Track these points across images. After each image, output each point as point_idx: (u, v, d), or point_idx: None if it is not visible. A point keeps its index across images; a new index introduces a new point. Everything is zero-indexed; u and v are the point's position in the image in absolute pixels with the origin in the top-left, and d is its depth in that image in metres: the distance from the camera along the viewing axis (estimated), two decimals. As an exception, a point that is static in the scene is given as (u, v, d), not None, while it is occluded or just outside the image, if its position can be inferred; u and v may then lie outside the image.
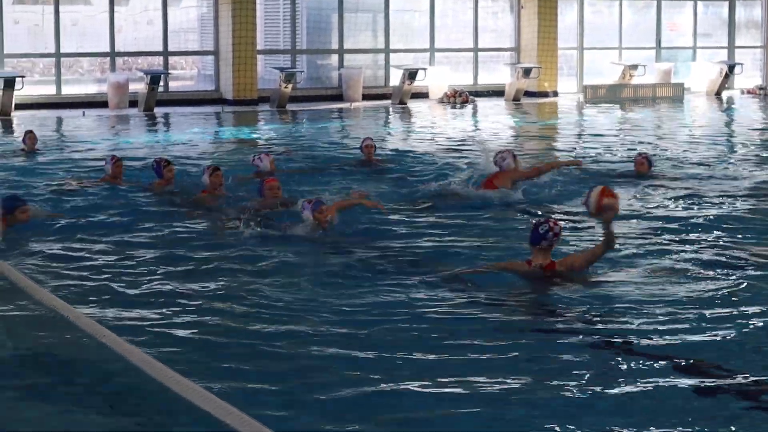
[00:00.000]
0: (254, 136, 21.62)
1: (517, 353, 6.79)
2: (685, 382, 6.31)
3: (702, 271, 9.01)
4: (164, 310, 7.91)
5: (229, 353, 6.85)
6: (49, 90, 26.57)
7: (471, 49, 31.33)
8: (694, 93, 31.86)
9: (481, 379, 6.29)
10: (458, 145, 19.24)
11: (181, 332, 7.36)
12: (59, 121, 23.75)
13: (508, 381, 6.27)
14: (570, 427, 5.62)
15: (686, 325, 7.39)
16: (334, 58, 29.87)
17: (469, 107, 28.00)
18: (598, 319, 7.65)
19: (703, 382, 6.37)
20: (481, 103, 28.76)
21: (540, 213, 11.78)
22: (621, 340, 7.13)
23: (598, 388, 6.14)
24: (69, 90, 26.81)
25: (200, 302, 8.11)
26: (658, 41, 33.84)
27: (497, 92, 30.19)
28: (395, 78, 29.21)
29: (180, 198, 12.83)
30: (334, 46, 29.77)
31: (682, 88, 31.39)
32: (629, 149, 18.18)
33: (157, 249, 9.99)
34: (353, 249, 9.87)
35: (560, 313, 7.92)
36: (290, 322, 7.50)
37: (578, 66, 32.41)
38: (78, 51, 27.32)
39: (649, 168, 14.51)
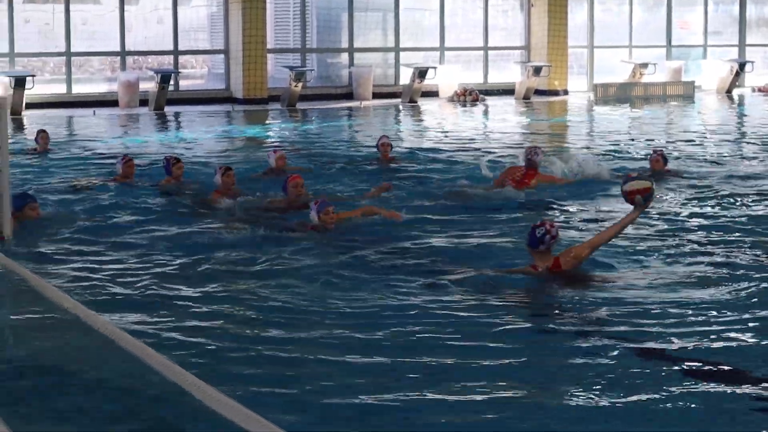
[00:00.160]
0: (264, 134, 21.61)
1: (527, 358, 6.70)
2: (702, 386, 6.24)
3: (716, 270, 8.93)
4: (171, 312, 7.87)
5: (237, 356, 6.78)
6: (60, 89, 26.61)
7: (481, 48, 31.30)
8: (704, 91, 31.80)
9: (493, 384, 6.22)
10: (469, 143, 19.22)
11: (187, 333, 7.30)
12: (70, 120, 23.76)
13: (521, 387, 6.20)
14: None
15: (701, 328, 7.31)
16: (344, 56, 29.86)
17: (480, 106, 27.98)
18: (610, 321, 7.54)
19: (721, 386, 6.28)
20: (491, 101, 28.74)
21: (557, 213, 11.75)
22: (639, 346, 7.01)
23: (614, 394, 6.06)
24: (79, 89, 26.86)
25: (209, 303, 8.04)
26: (669, 39, 33.77)
27: (507, 91, 30.15)
28: (405, 76, 29.18)
29: (191, 198, 12.80)
30: (344, 44, 29.76)
31: (693, 87, 31.34)
32: (643, 147, 18.12)
33: (167, 250, 9.93)
34: (364, 250, 9.81)
35: (569, 316, 7.82)
36: (299, 325, 7.43)
37: (588, 64, 32.36)
38: (88, 50, 27.37)
39: (664, 165, 14.48)
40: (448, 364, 6.61)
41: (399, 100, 28.47)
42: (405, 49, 30.20)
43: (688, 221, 11.34)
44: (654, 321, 7.46)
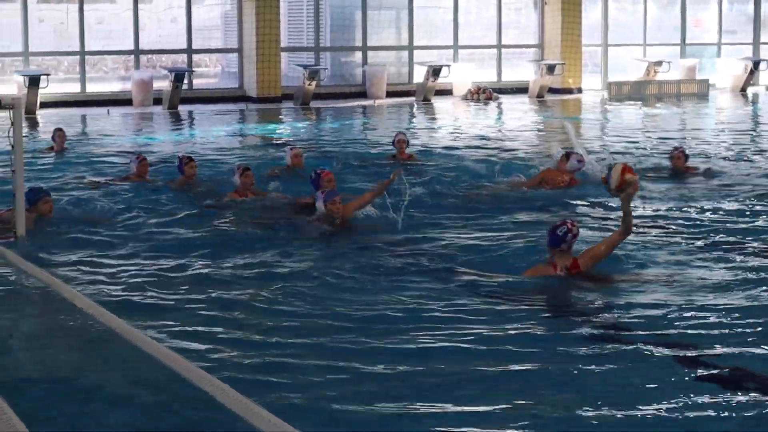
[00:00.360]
0: (278, 133, 21.60)
1: (546, 365, 6.58)
2: (735, 396, 6.11)
3: (739, 271, 8.84)
4: (184, 314, 7.84)
5: (250, 363, 6.71)
6: (74, 88, 26.63)
7: (495, 46, 31.25)
8: (718, 89, 31.69)
9: (510, 388, 6.17)
10: (484, 142, 19.20)
11: (200, 335, 7.27)
12: (84, 119, 23.78)
13: (541, 394, 6.11)
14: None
15: (725, 330, 7.25)
16: (358, 55, 29.84)
17: (493, 104, 27.94)
18: (634, 324, 7.45)
19: (746, 392, 6.18)
20: (505, 99, 28.68)
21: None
22: (662, 351, 6.87)
23: (645, 401, 5.95)
24: (93, 88, 26.89)
25: (223, 308, 7.96)
26: (683, 38, 33.66)
27: (521, 89, 30.10)
28: (419, 75, 29.14)
29: (205, 198, 12.76)
30: (358, 43, 29.74)
31: (707, 85, 31.24)
32: (660, 145, 18.08)
33: (181, 251, 9.87)
34: (379, 252, 9.74)
35: (590, 320, 7.67)
36: (312, 329, 7.37)
37: (602, 62, 32.28)
38: (102, 49, 27.40)
39: (685, 162, 14.43)
40: (469, 370, 6.48)
41: (413, 98, 28.44)
42: (419, 48, 30.17)
43: (711, 220, 11.24)
44: (683, 324, 7.35)
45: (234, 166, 13.18)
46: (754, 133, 21.56)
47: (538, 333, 7.31)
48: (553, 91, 29.81)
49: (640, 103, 28.36)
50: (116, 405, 5.98)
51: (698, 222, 11.13)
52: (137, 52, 27.14)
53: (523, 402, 5.99)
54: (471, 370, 6.50)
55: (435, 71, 28.25)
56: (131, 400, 6.04)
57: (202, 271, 9.14)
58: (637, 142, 18.94)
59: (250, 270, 9.15)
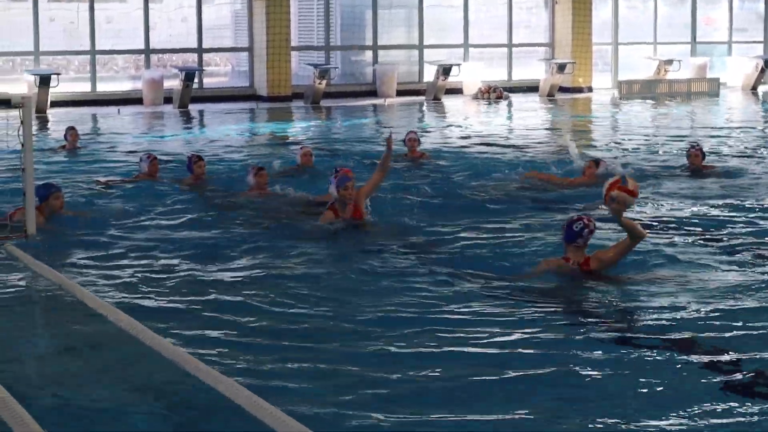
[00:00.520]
0: (288, 132, 21.58)
1: (561, 368, 6.51)
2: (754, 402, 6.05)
3: (755, 271, 8.79)
4: (198, 315, 7.81)
5: (261, 362, 6.67)
6: (85, 87, 26.64)
7: (505, 45, 31.21)
8: (729, 88, 31.61)
9: (524, 391, 6.14)
10: (495, 140, 19.18)
11: (210, 336, 7.23)
12: (95, 118, 23.80)
13: (557, 398, 6.05)
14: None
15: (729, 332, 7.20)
16: (368, 54, 29.82)
17: (504, 103, 27.90)
18: (648, 327, 7.40)
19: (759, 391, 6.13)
20: (516, 98, 28.64)
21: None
22: (683, 356, 6.76)
23: (665, 404, 5.92)
24: (104, 87, 26.91)
25: (235, 309, 7.90)
26: (693, 36, 33.59)
27: (531, 88, 30.06)
28: (429, 74, 29.11)
29: (215, 197, 12.74)
30: (368, 42, 29.72)
31: (718, 83, 31.17)
32: (671, 143, 18.04)
33: (192, 250, 9.85)
34: (393, 253, 9.68)
35: (604, 322, 7.59)
36: (331, 331, 7.34)
37: (613, 61, 32.22)
38: (113, 48, 27.39)
39: (702, 160, 14.38)
40: (483, 373, 6.43)
41: (423, 97, 28.42)
42: (429, 47, 30.13)
43: (727, 219, 11.17)
44: (702, 327, 7.27)
45: (248, 166, 13.16)
46: (766, 132, 21.48)
47: (553, 336, 7.19)
48: (563, 90, 29.75)
49: (650, 101, 28.30)
50: (129, 405, 5.97)
51: (715, 221, 11.04)
52: (148, 51, 27.15)
53: (541, 406, 5.93)
54: (485, 372, 6.44)
55: (445, 70, 28.22)
56: (143, 400, 6.03)
57: (213, 271, 9.11)
58: (647, 141, 18.88)
59: (260, 271, 9.11)
